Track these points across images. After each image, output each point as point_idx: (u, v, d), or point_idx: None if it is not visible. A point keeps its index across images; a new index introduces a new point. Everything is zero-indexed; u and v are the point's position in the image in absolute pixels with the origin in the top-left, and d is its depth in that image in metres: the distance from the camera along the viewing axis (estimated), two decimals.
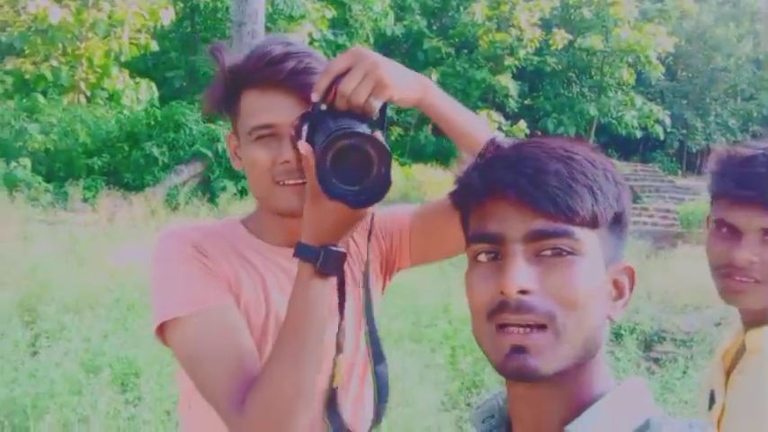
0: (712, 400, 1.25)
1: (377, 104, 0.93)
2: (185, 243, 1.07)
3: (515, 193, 0.66)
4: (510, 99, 19.61)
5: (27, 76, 13.75)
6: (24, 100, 12.94)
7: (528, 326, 0.65)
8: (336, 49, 17.58)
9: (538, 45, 19.66)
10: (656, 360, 5.46)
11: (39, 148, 11.02)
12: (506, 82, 19.02)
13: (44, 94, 13.42)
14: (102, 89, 14.35)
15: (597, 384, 0.70)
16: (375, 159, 0.85)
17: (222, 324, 1.02)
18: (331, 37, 17.14)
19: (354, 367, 1.18)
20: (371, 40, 18.55)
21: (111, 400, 3.38)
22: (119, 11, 14.14)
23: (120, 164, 11.31)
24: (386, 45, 20.15)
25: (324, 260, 0.94)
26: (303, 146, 0.90)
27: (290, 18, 15.36)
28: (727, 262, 1.15)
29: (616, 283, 0.72)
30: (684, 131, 22.62)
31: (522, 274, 0.65)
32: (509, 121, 19.34)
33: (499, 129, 18.99)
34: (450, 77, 19.32)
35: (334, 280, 0.99)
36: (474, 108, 19.45)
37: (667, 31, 19.92)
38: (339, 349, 1.06)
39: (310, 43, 15.92)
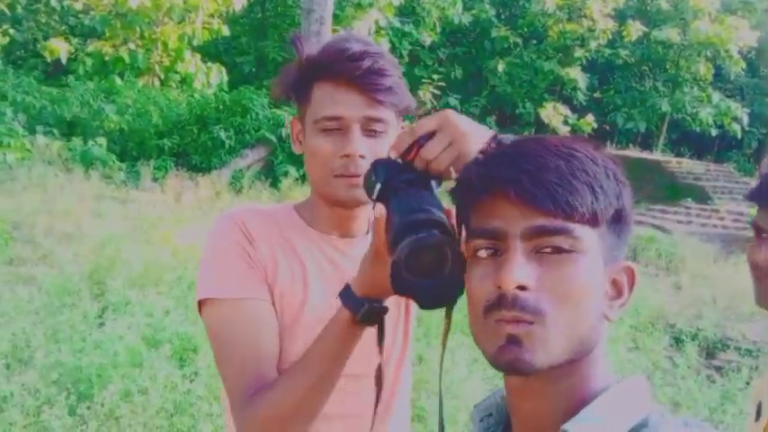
0: (760, 412, 1.24)
1: (454, 174, 0.90)
2: (234, 227, 1.12)
3: (515, 189, 0.66)
4: (578, 92, 19.12)
5: (106, 59, 14.33)
6: (103, 81, 13.45)
7: (523, 321, 0.65)
8: (403, 36, 17.56)
9: (610, 37, 19.06)
10: (718, 368, 5.26)
11: (114, 128, 11.36)
12: (575, 74, 18.55)
13: (121, 76, 13.95)
14: (176, 72, 14.79)
15: (595, 382, 0.69)
16: (449, 259, 0.80)
17: (251, 316, 1.07)
18: (398, 24, 17.12)
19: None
20: (438, 29, 18.42)
21: (170, 374, 3.50)
22: None
23: (189, 146, 11.52)
24: (452, 33, 19.98)
25: (365, 313, 0.96)
26: (377, 208, 0.88)
27: (358, 5, 15.40)
28: (760, 266, 1.18)
29: (615, 283, 0.71)
30: (764, 131, 21.45)
31: (520, 270, 0.65)
32: (576, 115, 18.87)
33: (565, 122, 18.56)
34: (516, 68, 19.01)
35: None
36: (540, 100, 19.08)
37: (750, 24, 18.92)
38: (378, 385, 1.05)
39: (377, 31, 15.94)
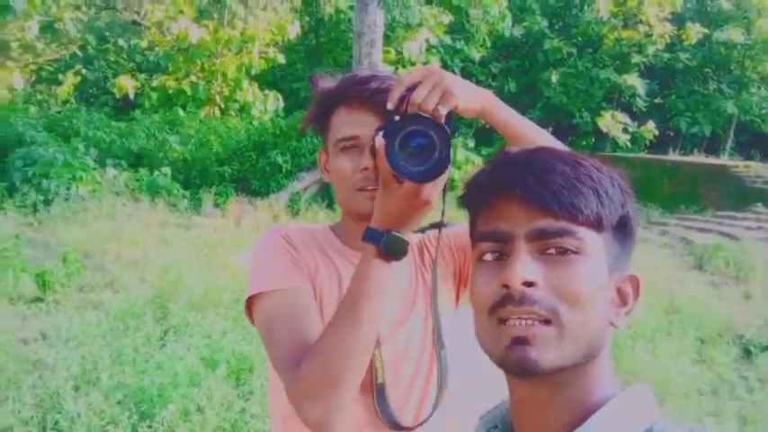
0: None
1: (443, 111, 1.01)
2: (278, 236, 1.25)
3: (521, 190, 0.67)
4: (637, 98, 18.65)
5: (170, 92, 15.04)
6: (167, 114, 14.12)
7: (531, 319, 0.65)
8: (454, 53, 17.61)
9: (668, 41, 18.54)
10: None
11: (178, 158, 11.89)
12: (633, 81, 18.09)
13: (184, 107, 14.60)
14: (235, 101, 15.36)
15: (601, 389, 0.69)
16: (437, 142, 0.95)
17: (295, 301, 1.16)
18: (449, 42, 17.19)
19: (420, 364, 1.26)
20: (489, 44, 18.37)
21: (226, 394, 3.61)
22: (250, 28, 15.10)
23: (248, 171, 11.88)
24: (504, 47, 19.87)
25: (387, 243, 1.03)
26: (378, 139, 1.00)
27: (407, 26, 15.57)
28: None
29: (620, 291, 0.71)
30: None
31: (525, 267, 0.66)
32: (636, 122, 18.38)
33: (625, 130, 18.09)
34: (571, 78, 18.72)
35: (397, 265, 1.07)
36: (597, 109, 18.68)
37: None
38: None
39: (428, 49, 16.04)
